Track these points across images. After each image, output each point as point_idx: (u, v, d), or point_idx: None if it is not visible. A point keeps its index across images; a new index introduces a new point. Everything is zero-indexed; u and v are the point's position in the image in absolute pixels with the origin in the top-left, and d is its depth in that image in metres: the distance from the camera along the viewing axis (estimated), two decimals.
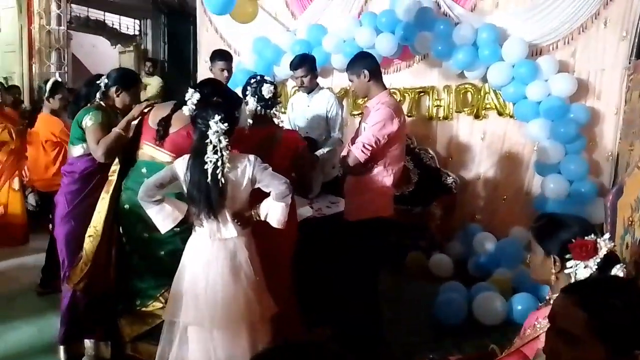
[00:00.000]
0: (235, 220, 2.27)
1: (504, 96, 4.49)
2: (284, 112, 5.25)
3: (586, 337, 1.01)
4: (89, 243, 2.64)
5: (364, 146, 2.66)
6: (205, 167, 2.15)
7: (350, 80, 2.90)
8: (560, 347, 1.05)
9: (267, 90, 2.69)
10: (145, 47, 8.45)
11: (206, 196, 2.18)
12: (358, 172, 2.79)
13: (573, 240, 1.53)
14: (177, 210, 2.32)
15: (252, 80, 2.76)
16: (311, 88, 3.82)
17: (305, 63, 3.77)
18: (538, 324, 1.60)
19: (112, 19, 8.37)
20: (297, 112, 3.96)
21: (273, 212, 2.29)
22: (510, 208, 4.66)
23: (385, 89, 2.87)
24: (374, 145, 2.66)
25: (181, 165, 2.25)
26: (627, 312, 1.00)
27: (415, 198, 4.68)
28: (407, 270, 4.29)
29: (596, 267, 1.51)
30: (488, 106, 4.70)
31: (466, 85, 4.78)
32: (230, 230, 2.27)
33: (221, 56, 3.86)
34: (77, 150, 2.83)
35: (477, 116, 4.77)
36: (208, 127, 2.16)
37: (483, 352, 1.93)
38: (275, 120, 2.74)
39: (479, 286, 3.64)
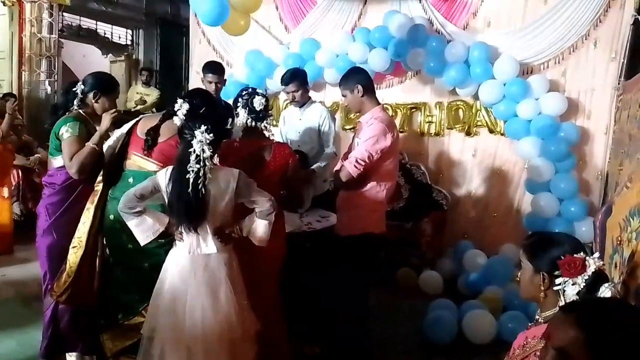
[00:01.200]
0: (216, 236, 2.23)
1: (495, 114, 4.52)
2: (276, 125, 5.26)
3: (581, 357, 1.00)
4: (73, 254, 2.57)
5: (356, 161, 2.65)
6: (187, 177, 2.11)
7: (344, 95, 2.89)
8: None
9: (258, 103, 2.66)
10: (137, 57, 8.43)
11: (186, 207, 2.14)
12: (350, 187, 2.77)
13: (562, 258, 1.53)
14: (157, 223, 2.26)
15: (244, 93, 2.74)
16: (303, 102, 3.81)
17: (297, 78, 3.75)
18: (527, 344, 1.59)
19: (104, 29, 8.33)
20: (289, 126, 3.94)
21: (256, 229, 2.25)
22: (501, 225, 4.66)
23: (379, 104, 2.87)
24: (366, 160, 2.65)
25: (163, 176, 2.21)
26: (623, 335, 0.99)
27: (406, 214, 4.67)
28: (397, 286, 4.26)
29: (584, 284, 1.50)
30: (479, 123, 4.73)
31: (458, 102, 4.80)
32: (210, 246, 2.22)
33: (210, 68, 3.83)
34: (57, 162, 2.73)
35: (468, 133, 4.79)
36: (194, 136, 2.14)
37: None
38: (266, 133, 2.71)
39: (469, 304, 3.61)
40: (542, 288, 1.59)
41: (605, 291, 1.48)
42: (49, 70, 6.70)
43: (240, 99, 2.70)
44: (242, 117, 2.67)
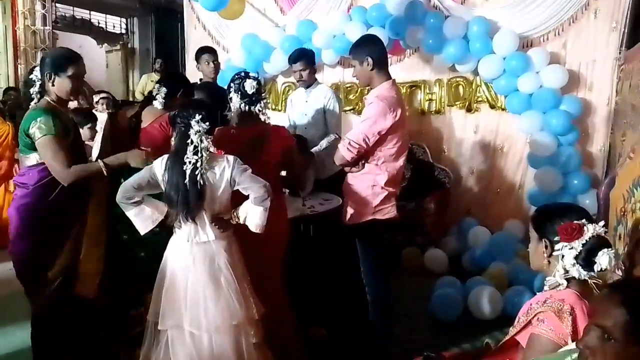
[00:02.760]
0: (214, 224, 2.23)
1: (496, 89, 4.48)
2: (274, 109, 5.24)
3: (624, 338, 0.99)
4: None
5: (350, 144, 2.52)
6: (185, 168, 2.11)
7: (352, 65, 2.71)
8: (595, 343, 1.03)
9: (249, 86, 2.62)
10: (133, 46, 8.37)
11: (184, 197, 2.14)
12: (350, 171, 2.66)
13: (562, 223, 1.55)
14: (156, 212, 2.26)
15: (236, 77, 2.71)
16: (309, 83, 3.81)
17: (304, 57, 3.76)
18: (531, 309, 1.61)
19: (98, 18, 8.27)
20: (295, 108, 3.93)
21: (251, 216, 2.23)
22: (504, 201, 4.65)
23: (389, 79, 2.64)
24: (361, 143, 2.50)
25: (159, 166, 2.20)
26: None
27: (409, 193, 4.64)
28: (402, 266, 4.27)
29: (581, 248, 1.52)
30: (480, 99, 4.69)
31: (458, 79, 4.76)
32: (209, 233, 2.22)
33: (204, 50, 3.89)
34: (29, 160, 2.40)
35: (469, 109, 4.75)
36: (189, 126, 2.13)
37: (478, 348, 1.92)
38: (262, 117, 2.68)
39: (474, 280, 3.62)
40: (545, 255, 1.61)
41: (603, 256, 1.49)
42: None
43: (232, 84, 2.68)
44: (235, 102, 2.64)
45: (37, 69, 2.40)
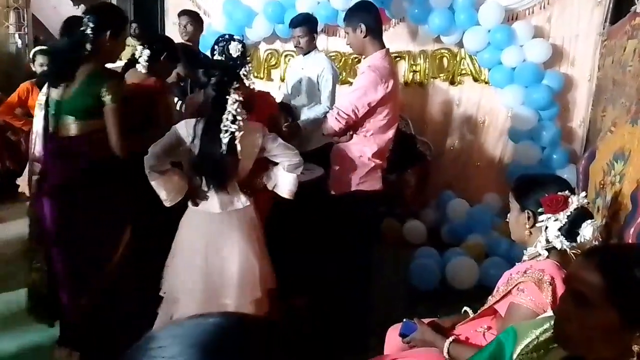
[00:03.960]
0: (245, 190, 2.21)
1: (480, 61, 4.46)
2: (256, 77, 5.14)
3: (599, 302, 0.98)
4: None
5: (338, 114, 2.47)
6: (222, 136, 2.04)
7: (346, 32, 2.63)
8: (571, 309, 1.03)
9: (234, 49, 2.57)
10: None
11: (220, 166, 2.09)
12: (338, 141, 2.62)
13: (546, 195, 1.55)
14: (182, 181, 2.18)
15: (220, 40, 2.65)
16: (308, 50, 3.72)
17: (306, 23, 3.67)
18: (510, 279, 1.63)
19: None
20: (291, 76, 3.86)
21: (284, 182, 2.23)
22: (484, 175, 4.69)
23: (383, 48, 2.57)
24: (350, 114, 2.45)
25: (183, 128, 2.11)
26: None
27: (390, 165, 4.63)
28: (381, 236, 4.30)
29: (566, 220, 1.53)
30: (463, 72, 4.67)
31: (442, 51, 4.72)
32: (242, 200, 2.21)
33: (179, 13, 3.91)
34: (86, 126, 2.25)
35: (452, 82, 4.74)
36: (226, 94, 2.06)
37: (457, 315, 1.95)
38: (246, 82, 2.63)
39: (452, 251, 3.67)
40: (527, 226, 1.62)
41: (587, 227, 1.51)
42: (18, 22, 6.39)
43: (216, 47, 2.62)
44: None
45: (87, 19, 2.20)
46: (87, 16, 2.20)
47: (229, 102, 2.05)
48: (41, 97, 2.29)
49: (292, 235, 3.06)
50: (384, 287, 3.41)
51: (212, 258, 2.16)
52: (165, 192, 2.14)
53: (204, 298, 2.16)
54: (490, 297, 1.74)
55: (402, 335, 1.80)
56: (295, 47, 3.80)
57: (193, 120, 2.11)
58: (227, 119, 2.04)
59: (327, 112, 3.62)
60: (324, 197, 2.78)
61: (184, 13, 4.04)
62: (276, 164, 2.30)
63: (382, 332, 2.07)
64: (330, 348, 2.52)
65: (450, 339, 1.67)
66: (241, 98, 2.06)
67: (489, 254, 3.71)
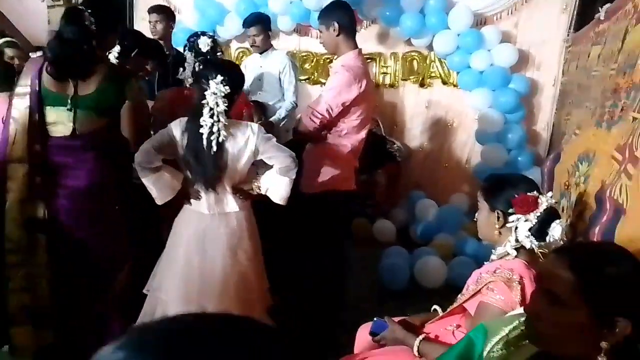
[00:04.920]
0: (237, 194, 2.15)
1: (449, 65, 4.54)
2: None
3: (571, 300, 1.00)
4: None
5: (313, 114, 2.46)
6: (200, 131, 1.99)
7: (320, 31, 2.63)
8: (543, 307, 1.04)
9: (203, 44, 2.54)
10: (77, 1, 7.88)
11: (202, 163, 2.03)
12: (312, 141, 2.61)
13: (516, 196, 1.57)
14: (175, 179, 2.13)
15: (190, 36, 2.62)
16: (264, 48, 3.72)
17: (259, 22, 3.66)
18: (480, 278, 1.65)
19: None
20: (249, 73, 3.83)
21: (276, 186, 2.14)
22: (452, 175, 4.77)
23: (356, 48, 2.58)
24: (324, 113, 2.45)
25: (177, 127, 2.07)
26: (616, 281, 1.00)
27: (361, 165, 4.66)
28: (351, 236, 4.32)
29: (536, 220, 1.55)
30: (433, 75, 4.74)
31: (412, 53, 4.78)
32: (231, 204, 2.14)
33: (151, 9, 3.75)
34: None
35: (422, 84, 4.80)
36: (207, 87, 2.00)
37: (426, 314, 1.97)
38: None
39: (420, 251, 3.72)
40: (497, 226, 1.64)
41: (556, 227, 1.54)
42: None
43: (187, 43, 2.59)
44: (189, 60, 2.55)
45: (91, 16, 2.15)
46: (90, 10, 2.15)
47: (207, 94, 2.00)
48: (22, 89, 2.16)
49: (262, 234, 3.04)
50: (353, 286, 3.42)
51: (196, 258, 2.12)
52: (155, 189, 2.10)
53: (186, 298, 2.11)
54: (459, 296, 1.76)
55: (373, 333, 1.80)
56: (251, 46, 3.79)
57: (186, 118, 2.08)
58: (205, 113, 1.99)
59: (294, 107, 3.65)
60: (295, 196, 2.77)
61: (153, 10, 3.87)
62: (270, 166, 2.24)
63: (353, 330, 2.08)
64: (301, 347, 2.52)
65: (421, 336, 1.68)
66: (222, 92, 1.99)
67: (457, 253, 3.77)
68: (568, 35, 4.18)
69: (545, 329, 1.04)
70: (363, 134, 2.66)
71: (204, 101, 1.99)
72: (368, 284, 3.52)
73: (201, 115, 1.99)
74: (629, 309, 0.98)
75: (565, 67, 4.16)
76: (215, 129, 1.99)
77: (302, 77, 5.06)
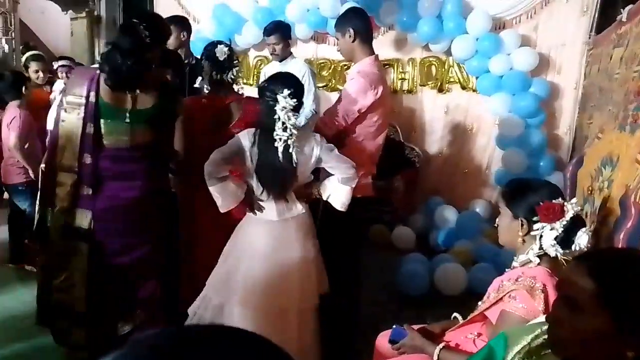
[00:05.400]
0: (302, 198, 2.23)
1: (468, 69, 4.50)
2: (246, 83, 5.13)
3: (592, 308, 0.97)
4: None
5: (329, 120, 2.47)
6: (276, 145, 2.05)
7: (337, 38, 2.63)
8: (564, 314, 1.02)
9: (220, 52, 2.55)
10: (99, 14, 8.03)
11: (279, 174, 2.10)
12: None
13: (541, 203, 1.54)
14: (239, 189, 2.20)
15: (208, 45, 2.64)
16: (283, 57, 3.74)
17: (279, 30, 3.68)
18: (502, 286, 1.62)
19: None
20: None
21: (338, 194, 2.24)
22: (471, 181, 4.72)
23: (373, 54, 2.57)
24: (340, 120, 2.45)
25: (246, 138, 2.13)
26: (635, 284, 0.97)
27: (379, 171, 4.64)
28: (370, 242, 4.29)
29: (562, 229, 1.52)
30: (452, 80, 4.72)
31: (430, 59, 4.76)
32: (298, 207, 2.21)
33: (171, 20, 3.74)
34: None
35: (440, 90, 4.77)
36: (276, 101, 2.05)
37: (446, 322, 1.94)
38: (235, 87, 2.62)
39: (440, 257, 3.68)
40: (520, 234, 1.61)
41: (582, 236, 1.50)
42: (5, 27, 6.33)
43: (203, 51, 2.61)
44: (206, 69, 2.57)
45: (145, 31, 2.17)
46: (144, 25, 2.19)
47: (277, 109, 2.04)
48: (74, 99, 2.18)
49: None
50: (373, 292, 3.40)
51: (272, 265, 2.16)
52: (221, 198, 2.16)
53: (261, 304, 2.15)
54: (480, 303, 1.74)
55: (392, 341, 1.78)
56: (271, 54, 3.82)
57: (253, 129, 2.14)
58: (278, 127, 2.05)
59: (314, 114, 3.65)
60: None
61: (174, 21, 3.93)
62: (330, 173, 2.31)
63: (372, 337, 2.06)
64: (320, 354, 2.50)
65: (441, 345, 1.66)
66: (291, 105, 2.04)
67: (477, 259, 3.72)
68: (589, 37, 4.11)
69: (567, 337, 1.01)
70: (380, 140, 2.65)
71: (275, 116, 2.04)
72: (387, 290, 3.49)
73: (273, 128, 2.05)
74: None
75: (586, 70, 4.10)
76: (290, 141, 2.05)
77: (320, 84, 5.07)
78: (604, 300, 0.97)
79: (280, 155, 2.06)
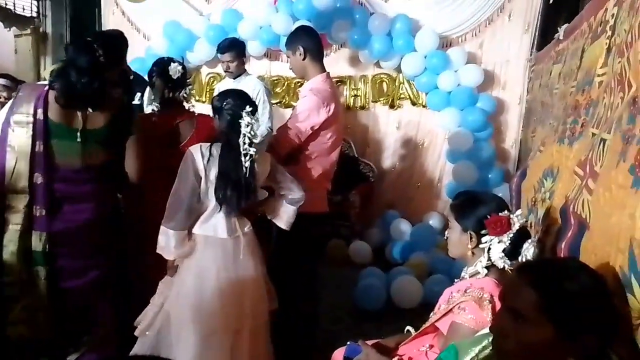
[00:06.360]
0: (247, 215, 2.21)
1: (418, 86, 4.62)
2: (198, 100, 5.08)
3: (535, 317, 1.00)
4: None
5: (282, 138, 2.48)
6: (242, 159, 2.05)
7: (288, 56, 2.66)
8: (508, 325, 1.04)
9: (174, 70, 2.52)
10: (45, 30, 7.80)
11: (242, 189, 2.07)
12: (283, 164, 2.53)
13: (489, 217, 1.57)
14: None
15: (158, 62, 2.60)
16: (238, 74, 3.73)
17: (234, 48, 3.67)
18: (452, 297, 1.64)
19: None
20: None
21: (285, 214, 2.29)
22: (424, 195, 4.82)
23: (324, 71, 2.59)
24: (294, 138, 2.45)
25: (199, 153, 2.08)
26: (578, 296, 1.00)
27: (334, 187, 4.67)
28: (327, 257, 4.30)
29: (509, 241, 1.55)
30: (402, 96, 4.83)
31: (382, 75, 4.86)
32: (246, 223, 2.19)
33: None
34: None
35: (392, 106, 4.87)
36: (239, 117, 2.06)
37: (400, 335, 1.95)
38: (186, 105, 2.59)
39: (396, 270, 3.72)
40: (470, 247, 1.63)
41: (528, 247, 1.54)
42: None
43: (155, 68, 2.57)
44: (158, 87, 2.53)
45: (99, 49, 2.12)
46: (98, 42, 2.14)
47: (242, 125, 2.05)
48: (22, 118, 2.09)
49: None
50: (330, 308, 3.40)
51: (223, 284, 2.11)
52: (176, 245, 2.11)
53: (212, 324, 2.11)
54: (432, 314, 1.76)
55: (347, 358, 1.77)
56: (225, 72, 3.80)
57: (207, 144, 2.11)
58: (244, 142, 2.05)
59: (269, 132, 3.66)
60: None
61: None
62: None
63: (330, 354, 2.05)
64: None
65: (395, 359, 1.66)
66: (254, 120, 2.07)
67: (432, 271, 3.79)
68: (531, 54, 4.30)
69: (511, 347, 1.04)
70: (334, 156, 2.67)
71: (241, 132, 2.05)
72: (345, 305, 3.50)
73: (237, 144, 2.05)
74: (592, 324, 0.99)
75: (529, 86, 4.28)
76: (256, 156, 2.08)
77: (274, 101, 5.08)
78: (546, 310, 1.00)
79: (245, 170, 2.06)
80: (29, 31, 7.91)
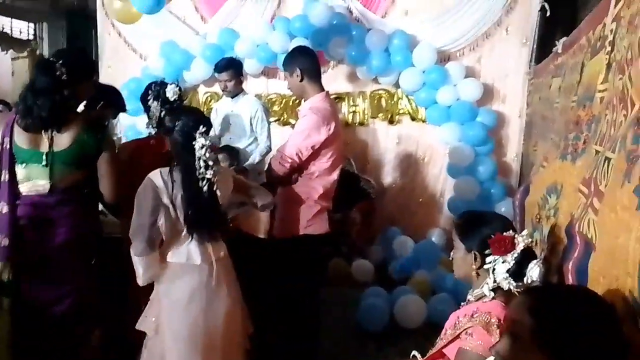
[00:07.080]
0: (221, 237, 2.13)
1: (416, 101, 4.60)
2: None
3: (530, 344, 0.98)
4: None
5: (282, 158, 2.45)
6: (201, 184, 1.97)
7: (285, 77, 2.67)
8: (509, 349, 1.03)
9: (172, 92, 2.50)
10: (42, 53, 7.83)
11: (207, 214, 2.01)
12: (283, 184, 2.57)
13: (493, 236, 1.54)
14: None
15: (153, 85, 2.58)
16: (235, 93, 3.73)
17: (231, 67, 3.68)
18: (458, 322, 1.59)
19: (2, 22, 7.67)
20: (221, 118, 3.81)
21: (260, 224, 2.41)
22: (427, 211, 4.76)
23: (323, 90, 2.59)
24: (294, 157, 2.43)
25: (159, 178, 1.98)
26: (574, 325, 0.98)
27: (335, 204, 4.63)
28: (329, 276, 4.23)
29: (513, 261, 1.52)
30: (401, 111, 4.80)
31: (380, 91, 4.84)
32: (221, 246, 2.11)
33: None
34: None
35: (391, 121, 4.84)
36: (192, 139, 1.96)
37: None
38: None
39: (399, 290, 3.65)
40: (474, 267, 1.60)
41: (534, 268, 1.50)
42: None
43: (150, 91, 2.54)
44: (154, 109, 2.50)
45: (62, 67, 2.10)
46: (60, 61, 2.11)
47: (196, 147, 1.96)
48: None
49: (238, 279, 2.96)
50: (332, 328, 3.33)
51: (198, 310, 2.04)
52: (145, 269, 2.03)
53: (191, 347, 2.04)
54: (438, 340, 1.71)
55: None
56: (222, 91, 3.80)
57: (167, 169, 2.01)
58: (199, 167, 1.96)
59: (269, 151, 3.63)
60: (269, 241, 2.71)
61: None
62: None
63: None
64: None
65: None
66: (208, 142, 1.97)
67: (436, 289, 3.72)
68: (530, 67, 4.29)
69: None
70: (335, 175, 2.63)
71: (193, 154, 1.96)
72: (348, 325, 3.43)
73: (193, 168, 1.96)
74: (591, 353, 0.96)
75: (529, 99, 4.26)
76: (214, 179, 1.98)
77: (272, 119, 5.06)
78: (540, 338, 0.98)
79: (205, 194, 1.98)
80: (25, 54, 7.96)
